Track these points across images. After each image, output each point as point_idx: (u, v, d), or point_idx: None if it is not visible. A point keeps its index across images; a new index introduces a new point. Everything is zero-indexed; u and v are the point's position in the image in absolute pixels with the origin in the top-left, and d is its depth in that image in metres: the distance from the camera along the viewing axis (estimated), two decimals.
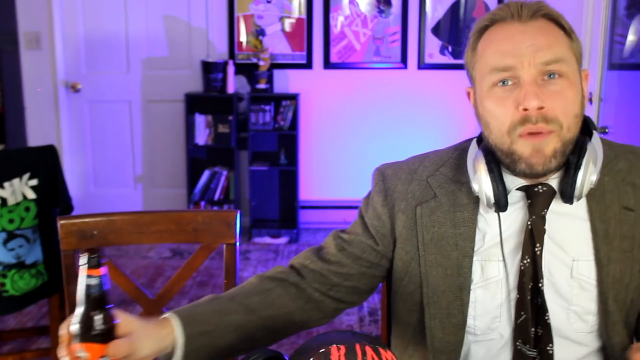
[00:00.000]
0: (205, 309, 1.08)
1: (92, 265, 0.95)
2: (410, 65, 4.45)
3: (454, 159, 1.16)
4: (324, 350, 0.86)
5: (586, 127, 1.08)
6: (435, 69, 4.42)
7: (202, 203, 4.39)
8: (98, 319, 0.93)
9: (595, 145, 1.05)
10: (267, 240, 4.41)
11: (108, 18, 4.39)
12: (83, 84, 4.44)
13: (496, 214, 1.09)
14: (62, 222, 1.44)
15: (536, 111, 0.99)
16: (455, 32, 4.40)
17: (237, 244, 1.50)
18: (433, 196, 1.13)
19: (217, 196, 4.43)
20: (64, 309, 1.67)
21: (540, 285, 1.07)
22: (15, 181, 2.26)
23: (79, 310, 0.95)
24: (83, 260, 0.94)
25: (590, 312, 1.08)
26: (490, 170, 1.05)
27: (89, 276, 0.94)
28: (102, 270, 0.95)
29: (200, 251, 1.50)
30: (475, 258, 1.10)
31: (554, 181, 1.06)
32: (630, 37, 2.86)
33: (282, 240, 4.41)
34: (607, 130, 2.78)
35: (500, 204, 1.06)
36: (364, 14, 4.39)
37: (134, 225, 1.48)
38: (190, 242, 1.52)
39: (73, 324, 0.92)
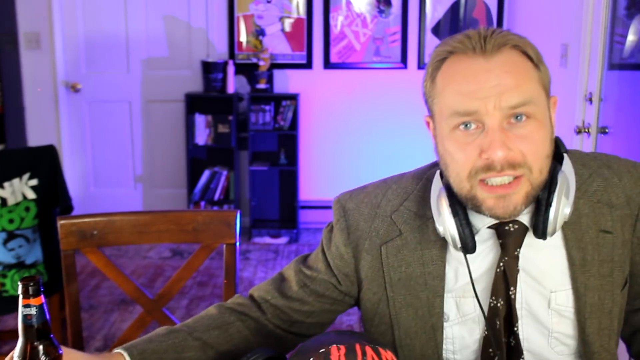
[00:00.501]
0: (159, 345, 1.04)
1: (30, 294, 0.89)
2: (410, 65, 4.45)
3: (418, 192, 1.09)
4: (324, 350, 0.86)
5: (557, 151, 1.01)
6: None
7: (202, 203, 4.39)
8: (40, 350, 0.91)
9: (566, 173, 0.98)
10: (267, 240, 4.41)
11: (108, 18, 4.39)
12: (83, 84, 4.44)
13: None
14: (62, 222, 1.44)
15: (504, 158, 0.92)
16: (455, 32, 4.38)
17: (237, 244, 1.50)
18: (398, 234, 1.07)
19: (217, 196, 4.43)
20: (64, 309, 1.67)
21: (515, 329, 1.03)
22: (15, 181, 2.26)
23: (20, 342, 0.92)
24: (20, 289, 0.89)
25: (570, 337, 1.06)
26: (455, 213, 0.98)
27: (27, 306, 0.89)
28: (41, 299, 0.89)
29: (200, 251, 1.50)
30: (449, 295, 1.06)
31: (525, 217, 1.00)
32: (630, 37, 2.86)
33: (282, 240, 4.41)
34: (607, 130, 2.78)
35: (468, 248, 0.99)
36: (364, 14, 4.39)
37: (134, 225, 1.48)
38: (190, 242, 1.52)
39: (15, 357, 0.89)
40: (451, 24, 4.40)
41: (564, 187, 0.96)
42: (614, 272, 1.03)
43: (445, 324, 1.06)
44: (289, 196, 4.57)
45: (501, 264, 1.02)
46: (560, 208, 0.96)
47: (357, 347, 0.86)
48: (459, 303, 1.06)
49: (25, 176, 2.28)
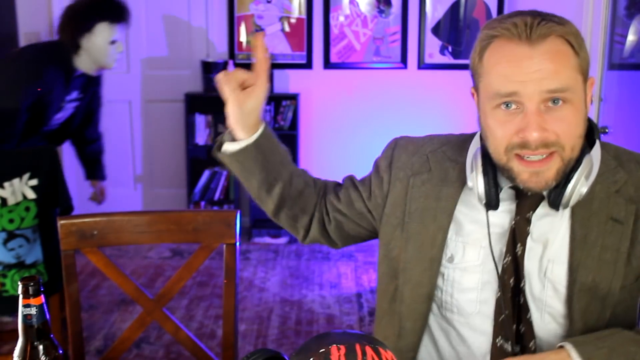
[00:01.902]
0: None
1: (30, 294, 0.90)
2: (410, 65, 4.45)
3: (458, 141, 1.21)
4: (324, 350, 0.86)
5: (590, 134, 1.09)
6: (435, 69, 4.42)
7: (202, 203, 4.39)
8: (40, 350, 0.90)
9: (593, 157, 1.06)
10: (267, 240, 4.41)
11: None
12: None
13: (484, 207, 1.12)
14: (62, 222, 1.44)
15: (539, 138, 1.01)
16: (455, 32, 4.40)
17: (237, 244, 1.50)
18: (428, 170, 1.19)
19: (217, 196, 4.43)
20: (64, 309, 1.67)
21: (522, 285, 1.09)
22: (15, 181, 2.26)
23: (20, 342, 0.92)
24: (20, 289, 0.90)
25: (562, 316, 1.10)
26: (485, 173, 1.09)
27: (27, 306, 0.90)
28: (41, 299, 0.90)
29: (200, 251, 1.50)
30: (459, 239, 1.15)
31: None
32: (630, 37, 2.86)
33: (282, 240, 4.41)
34: (607, 130, 2.78)
35: (491, 204, 1.09)
36: (364, 14, 4.39)
37: (134, 225, 1.48)
38: (190, 242, 1.52)
39: (15, 357, 0.90)
40: (451, 24, 4.40)
41: (586, 168, 1.04)
42: (618, 263, 1.06)
43: (449, 265, 1.15)
44: None
45: (513, 222, 1.10)
46: (578, 186, 1.03)
47: (357, 347, 0.86)
48: (466, 248, 1.14)
49: (25, 176, 2.27)
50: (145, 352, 2.83)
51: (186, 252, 4.09)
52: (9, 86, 2.48)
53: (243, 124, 1.14)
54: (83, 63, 2.62)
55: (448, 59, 4.42)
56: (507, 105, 1.02)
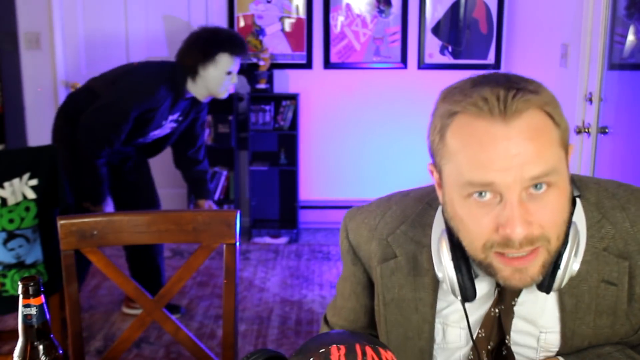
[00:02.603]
0: None
1: (30, 294, 0.89)
2: (410, 65, 4.45)
3: (416, 216, 1.07)
4: (324, 350, 0.86)
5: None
6: (435, 69, 4.42)
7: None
8: (40, 350, 0.90)
9: (578, 225, 0.93)
10: (267, 240, 4.41)
11: (108, 18, 4.39)
12: (83, 84, 4.44)
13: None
14: (62, 222, 1.44)
15: (524, 237, 0.86)
16: (455, 32, 4.40)
17: (237, 244, 1.50)
18: (393, 256, 1.06)
19: (217, 196, 4.43)
20: (64, 309, 1.67)
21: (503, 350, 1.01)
22: (15, 181, 2.26)
23: (20, 342, 0.92)
24: (20, 289, 0.90)
25: None
26: (457, 265, 0.95)
27: (27, 306, 0.90)
28: (41, 299, 0.90)
29: (200, 251, 1.50)
30: (438, 320, 1.05)
31: None
32: (630, 37, 2.86)
33: (282, 240, 4.41)
34: (607, 130, 2.78)
35: (467, 298, 0.96)
36: (364, 14, 4.39)
37: (134, 225, 1.48)
38: (190, 242, 1.52)
39: (15, 357, 0.90)
40: (451, 24, 4.40)
41: (574, 244, 0.91)
42: (616, 325, 0.97)
43: (435, 347, 1.07)
44: (289, 196, 4.57)
45: (496, 310, 1.00)
46: (569, 266, 0.91)
47: (357, 347, 0.86)
48: (446, 330, 1.06)
49: (25, 176, 2.27)
50: (145, 352, 2.83)
51: (186, 252, 4.09)
52: (126, 95, 2.66)
53: None
54: (196, 89, 2.78)
55: (448, 59, 4.42)
56: (480, 194, 0.87)
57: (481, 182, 0.86)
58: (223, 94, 2.83)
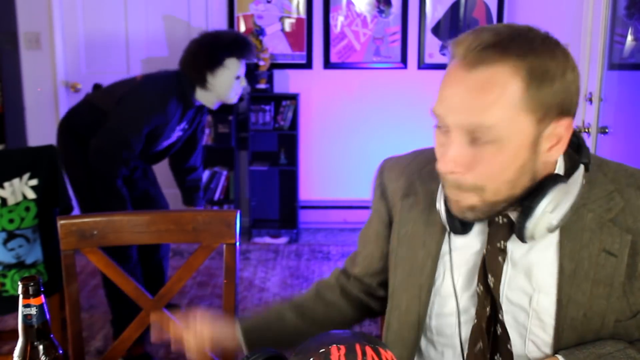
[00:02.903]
0: (263, 313, 1.27)
1: (30, 294, 0.90)
2: (410, 65, 4.45)
3: None
4: (324, 350, 0.86)
5: (577, 156, 1.00)
6: (435, 69, 4.42)
7: (202, 203, 4.38)
8: (40, 350, 0.90)
9: (570, 187, 0.95)
10: (267, 240, 4.41)
11: (108, 18, 4.39)
12: (83, 84, 4.44)
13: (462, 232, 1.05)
14: (62, 222, 1.44)
15: (449, 175, 0.94)
16: (455, 32, 4.40)
17: (237, 244, 1.50)
18: (415, 193, 1.13)
19: (217, 196, 4.43)
20: (64, 309, 1.67)
21: (500, 315, 1.03)
22: (15, 181, 2.26)
23: (20, 342, 0.92)
24: (20, 289, 0.90)
25: (547, 345, 1.03)
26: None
27: (27, 306, 0.90)
28: (41, 299, 0.90)
29: (200, 251, 1.50)
30: (440, 264, 1.09)
31: (514, 214, 1.00)
32: (630, 37, 2.86)
33: (282, 240, 4.41)
34: (607, 130, 2.78)
35: (455, 231, 1.03)
36: (364, 14, 4.39)
37: (134, 225, 1.48)
38: (190, 242, 1.52)
39: (15, 357, 0.89)
40: (451, 24, 4.40)
41: (555, 200, 0.94)
42: (612, 298, 0.98)
43: (433, 291, 1.10)
44: (289, 196, 4.57)
45: (484, 251, 1.04)
46: (543, 219, 0.94)
47: (357, 347, 0.86)
48: (445, 274, 1.10)
49: (25, 176, 2.27)
50: (144, 350, 2.83)
51: (186, 252, 4.09)
52: (136, 114, 2.60)
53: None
54: (206, 97, 2.71)
55: (448, 59, 4.41)
56: (439, 127, 0.96)
57: (435, 113, 0.95)
58: (234, 99, 2.78)
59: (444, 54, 4.43)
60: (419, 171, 1.14)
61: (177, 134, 2.83)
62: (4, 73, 4.29)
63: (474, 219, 0.99)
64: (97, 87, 2.95)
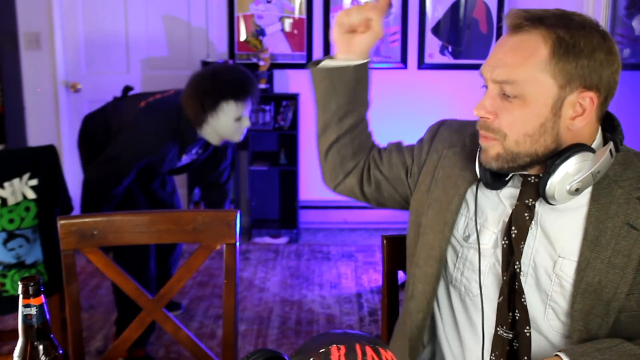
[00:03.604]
0: None
1: (30, 294, 0.89)
2: (410, 65, 4.45)
3: None
4: (324, 350, 0.86)
5: (613, 132, 1.10)
6: (435, 69, 4.42)
7: (202, 203, 4.38)
8: (40, 350, 0.90)
9: (597, 157, 1.04)
10: (267, 240, 4.41)
11: (108, 18, 4.39)
12: (83, 84, 4.44)
13: (499, 190, 1.15)
14: (62, 222, 1.44)
15: (481, 119, 1.09)
16: (455, 32, 4.40)
17: (237, 244, 1.50)
18: (463, 145, 1.23)
19: None
20: (64, 309, 1.67)
21: (516, 267, 1.11)
22: (15, 181, 2.26)
23: (20, 342, 0.92)
24: (20, 289, 0.90)
25: (565, 314, 1.10)
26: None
27: (27, 306, 0.90)
28: (41, 299, 0.90)
29: (200, 251, 1.50)
30: (479, 221, 1.17)
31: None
32: (631, 37, 2.86)
33: (282, 240, 4.41)
34: None
35: (487, 184, 1.13)
36: None
37: (134, 225, 1.48)
38: (190, 242, 1.52)
39: (15, 357, 0.90)
40: (451, 24, 4.40)
41: (574, 164, 1.03)
42: (628, 269, 1.05)
43: (464, 243, 1.19)
44: (289, 196, 4.57)
45: (513, 207, 1.12)
46: (563, 178, 1.03)
47: (357, 347, 0.86)
48: (482, 231, 1.17)
49: (25, 176, 2.28)
50: (145, 352, 2.83)
51: (186, 252, 4.09)
52: (127, 151, 2.56)
53: (348, 48, 1.24)
54: (208, 134, 2.60)
55: (448, 59, 4.42)
56: (484, 86, 1.10)
57: (480, 72, 1.09)
58: (238, 138, 2.65)
59: (444, 54, 4.43)
60: (470, 132, 1.24)
61: (188, 157, 2.79)
62: (4, 73, 4.29)
63: (498, 168, 1.09)
64: (127, 89, 2.88)
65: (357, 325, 3.13)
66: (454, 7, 4.37)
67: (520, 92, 1.03)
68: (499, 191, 1.16)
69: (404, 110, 4.46)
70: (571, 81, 1.02)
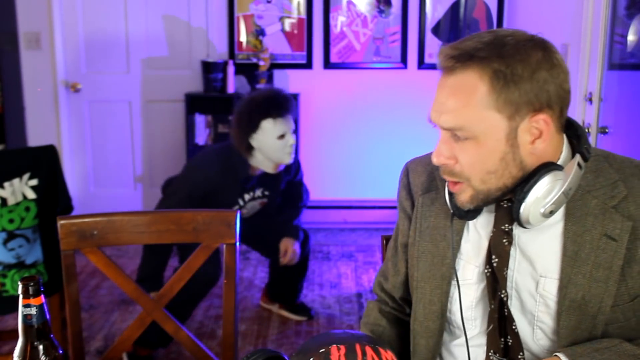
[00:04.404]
0: None
1: (30, 294, 0.90)
2: (410, 65, 4.45)
3: None
4: (324, 350, 0.86)
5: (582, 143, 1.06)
6: (435, 69, 4.40)
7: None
8: (40, 350, 0.90)
9: (563, 174, 1.02)
10: None
11: (108, 18, 4.39)
12: (83, 84, 4.44)
13: (475, 220, 1.14)
14: (62, 222, 1.44)
15: (442, 165, 1.07)
16: (455, 32, 4.40)
17: (237, 244, 1.50)
18: (436, 188, 1.19)
19: None
20: (64, 309, 1.67)
21: (502, 296, 1.09)
22: (15, 181, 2.26)
23: (20, 342, 0.92)
24: (20, 289, 0.90)
25: (554, 331, 1.08)
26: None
27: (27, 305, 0.90)
28: (41, 299, 0.90)
29: (200, 251, 1.50)
30: (461, 257, 1.16)
31: None
32: (630, 37, 2.86)
33: None
34: (607, 130, 2.78)
35: (460, 215, 1.11)
36: (364, 14, 4.39)
37: (134, 225, 1.48)
38: (190, 242, 1.52)
39: (15, 357, 0.90)
40: (451, 24, 4.40)
41: (547, 184, 1.01)
42: (610, 281, 1.03)
43: (453, 283, 1.16)
44: None
45: (490, 233, 1.11)
46: (534, 202, 1.01)
47: (357, 347, 0.86)
48: (464, 267, 1.15)
49: (25, 176, 2.28)
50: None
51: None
52: (182, 188, 2.66)
53: None
54: (260, 162, 2.70)
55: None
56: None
57: (429, 118, 1.07)
58: (288, 158, 2.70)
59: None
60: (439, 169, 1.20)
61: (255, 203, 2.84)
62: (4, 73, 4.29)
63: (475, 208, 1.08)
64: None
65: (357, 325, 3.13)
66: (454, 7, 4.37)
67: (471, 134, 1.01)
68: (475, 221, 1.15)
69: (404, 110, 4.46)
70: (518, 110, 0.99)
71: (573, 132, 1.09)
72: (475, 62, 0.99)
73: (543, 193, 1.01)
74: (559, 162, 1.06)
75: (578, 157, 1.03)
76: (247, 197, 2.80)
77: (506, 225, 1.08)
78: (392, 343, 1.28)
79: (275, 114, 2.62)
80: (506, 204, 1.08)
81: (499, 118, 1.00)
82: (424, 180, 1.22)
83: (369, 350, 0.86)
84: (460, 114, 1.00)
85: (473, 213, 1.11)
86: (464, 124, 1.01)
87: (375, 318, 1.32)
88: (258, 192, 2.83)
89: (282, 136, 2.63)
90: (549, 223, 1.06)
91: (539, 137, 1.02)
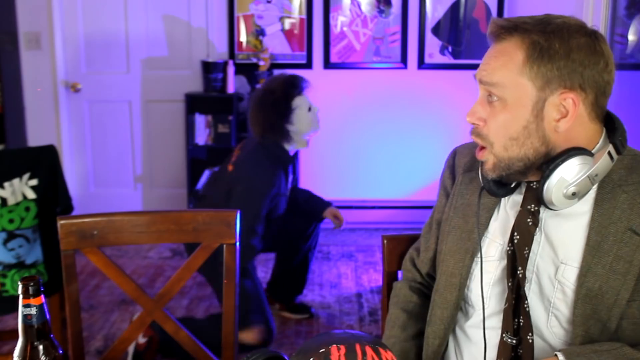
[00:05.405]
0: None
1: (30, 294, 0.90)
2: (410, 65, 4.45)
3: None
4: (324, 350, 0.86)
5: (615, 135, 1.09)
6: (435, 69, 4.42)
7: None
8: (40, 350, 0.90)
9: (592, 159, 1.05)
10: None
11: (108, 18, 4.39)
12: (83, 84, 4.44)
13: (506, 200, 1.18)
14: (62, 222, 1.44)
15: (473, 123, 1.13)
16: (455, 32, 4.40)
17: (237, 244, 1.50)
18: (476, 169, 1.22)
19: None
20: (64, 309, 1.67)
21: (519, 274, 1.12)
22: (15, 181, 2.26)
23: (20, 342, 0.92)
24: (20, 289, 0.90)
25: (568, 321, 1.10)
26: None
27: (27, 306, 0.90)
28: (41, 299, 0.90)
29: (200, 251, 1.50)
30: (487, 235, 1.19)
31: None
32: (630, 37, 2.86)
33: None
34: None
35: (489, 190, 1.15)
36: (364, 14, 4.39)
37: (134, 225, 1.48)
38: (190, 242, 1.52)
39: (15, 357, 0.90)
40: (451, 24, 4.40)
41: (570, 169, 1.04)
42: (629, 275, 1.05)
43: (476, 260, 1.20)
44: None
45: (517, 213, 1.14)
46: (558, 182, 1.04)
47: (357, 347, 0.86)
48: (489, 244, 1.19)
49: (25, 176, 2.28)
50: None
51: (186, 252, 4.09)
52: (251, 204, 2.66)
53: None
54: (296, 141, 2.86)
55: (448, 59, 4.42)
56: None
57: (474, 75, 1.13)
58: (317, 127, 2.95)
59: (444, 54, 4.43)
60: None
61: (290, 180, 2.96)
62: (4, 73, 4.29)
63: (497, 177, 1.11)
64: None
65: (357, 325, 3.13)
66: (454, 7, 4.37)
67: (502, 94, 1.07)
68: (505, 201, 1.18)
69: (404, 110, 4.46)
70: (549, 83, 1.04)
71: (611, 126, 1.11)
72: (519, 32, 1.06)
73: (567, 174, 1.04)
74: (592, 152, 1.08)
75: (610, 147, 1.07)
76: (289, 185, 2.92)
77: (532, 205, 1.12)
78: (425, 317, 1.32)
79: (299, 90, 2.86)
80: (535, 185, 1.11)
81: (530, 87, 1.05)
82: (467, 161, 1.27)
83: (369, 350, 0.86)
84: (498, 72, 1.07)
85: (503, 189, 1.14)
86: (498, 81, 1.07)
87: (405, 295, 1.37)
88: (290, 178, 2.95)
89: (309, 108, 2.89)
90: (577, 212, 1.09)
91: (564, 116, 1.05)
